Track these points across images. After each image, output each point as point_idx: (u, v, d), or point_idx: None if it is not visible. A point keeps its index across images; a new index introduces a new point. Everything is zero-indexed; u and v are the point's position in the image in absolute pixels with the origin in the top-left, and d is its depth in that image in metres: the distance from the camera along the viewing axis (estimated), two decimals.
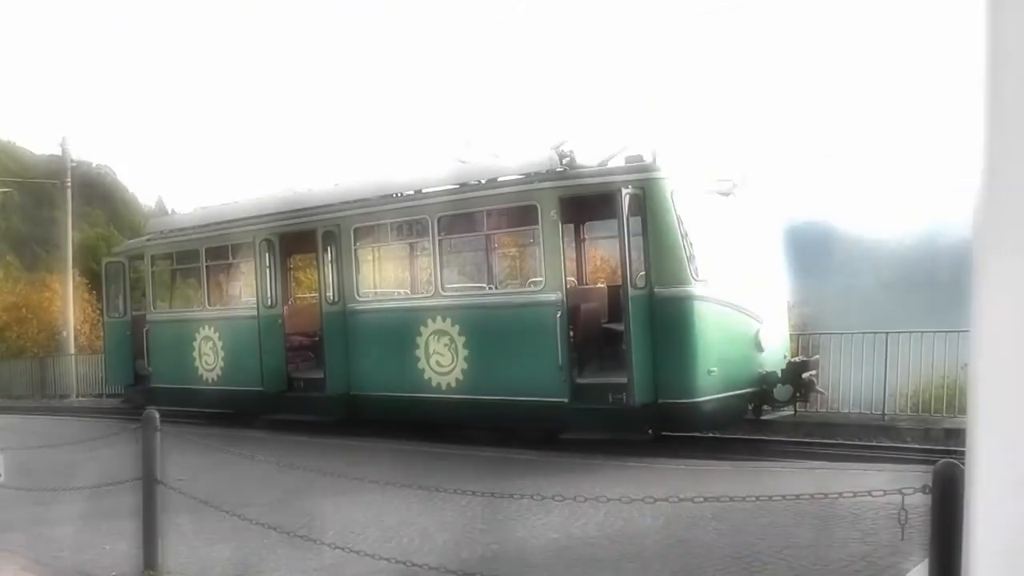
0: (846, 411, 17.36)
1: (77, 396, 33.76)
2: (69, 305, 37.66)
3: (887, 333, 17.08)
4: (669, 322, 13.09)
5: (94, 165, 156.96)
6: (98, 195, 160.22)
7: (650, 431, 13.07)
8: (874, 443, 15.32)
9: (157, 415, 8.06)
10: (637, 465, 12.36)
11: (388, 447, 15.02)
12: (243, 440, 16.77)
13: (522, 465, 12.78)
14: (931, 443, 15.23)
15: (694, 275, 13.10)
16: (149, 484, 7.87)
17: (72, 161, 39.40)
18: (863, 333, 17.69)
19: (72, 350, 36.58)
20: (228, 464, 14.29)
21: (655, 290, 13.11)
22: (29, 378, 36.60)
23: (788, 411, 14.68)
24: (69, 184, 38.01)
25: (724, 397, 13.30)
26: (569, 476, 11.81)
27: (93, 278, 37.14)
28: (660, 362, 13.09)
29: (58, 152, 39.05)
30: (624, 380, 13.17)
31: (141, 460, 8.11)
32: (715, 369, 13.10)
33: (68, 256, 37.95)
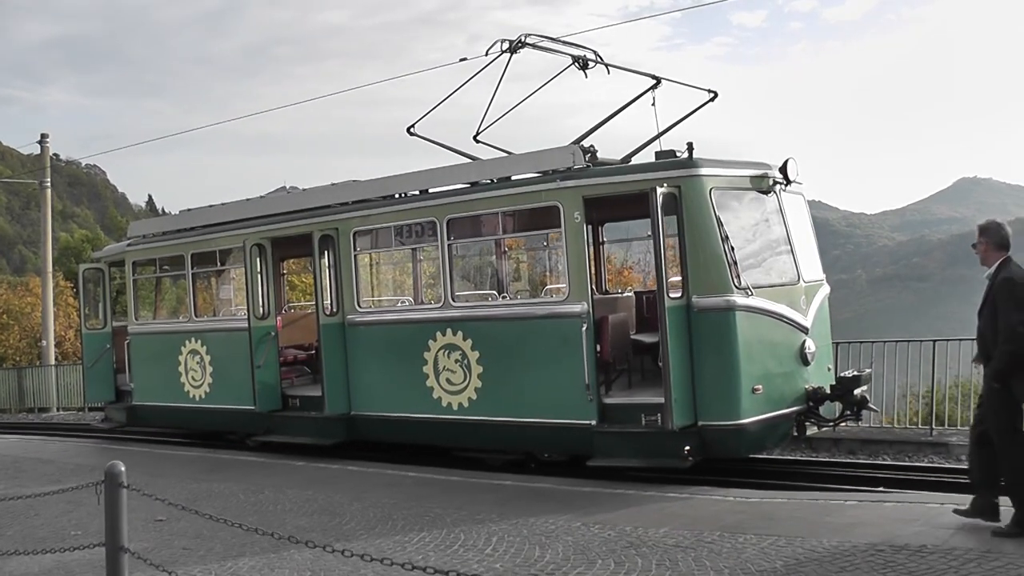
0: (889, 425, 16.12)
1: (57, 409, 32.43)
2: (49, 312, 36.09)
3: (934, 341, 15.90)
4: (709, 335, 11.76)
5: (83, 165, 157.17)
6: (87, 195, 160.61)
7: (689, 457, 11.69)
8: (927, 463, 14.07)
9: (123, 469, 6.62)
10: (678, 497, 11.03)
11: (395, 474, 13.68)
12: (233, 465, 15.58)
13: (547, 497, 11.43)
14: None
15: (736, 282, 11.75)
16: (113, 554, 6.43)
17: (61, 161, 38.01)
18: (908, 341, 16.46)
19: (52, 360, 35.06)
20: (215, 496, 13.02)
21: (693, 299, 11.78)
22: (7, 390, 35.06)
23: (828, 427, 13.45)
24: (49, 184, 36.46)
25: (770, 417, 11.98)
26: (604, 512, 10.45)
27: (77, 282, 35.74)
28: (700, 380, 11.76)
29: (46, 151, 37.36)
30: (659, 400, 11.84)
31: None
32: (760, 387, 11.79)
33: (48, 260, 36.42)
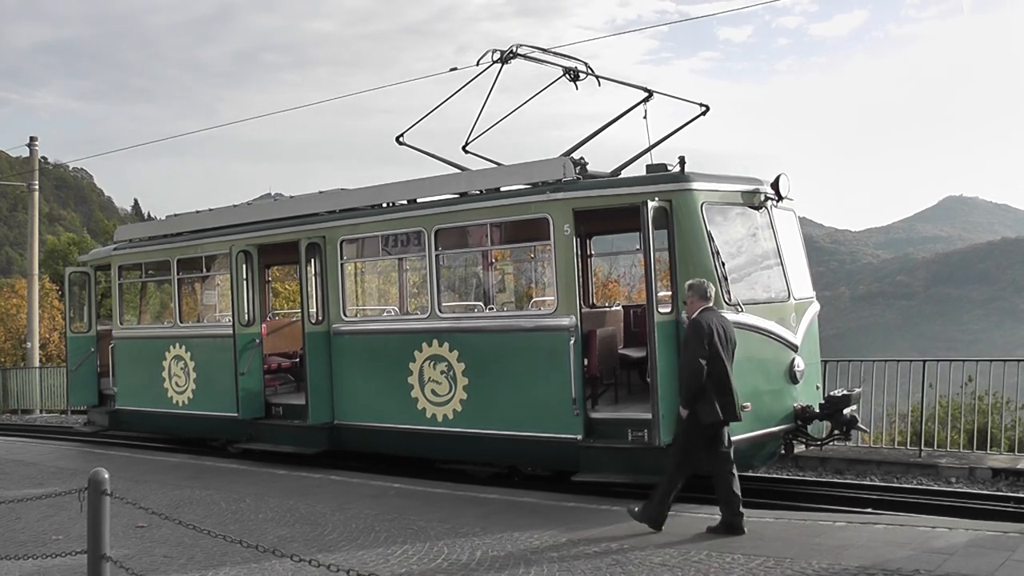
0: (876, 445, 16.06)
1: (41, 411, 32.26)
2: (34, 314, 35.86)
3: (924, 361, 15.83)
4: None
5: (71, 168, 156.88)
6: (74, 198, 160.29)
7: None
8: (916, 485, 13.99)
9: (106, 476, 6.49)
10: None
11: (379, 485, 13.55)
12: (214, 472, 15.46)
13: (531, 512, 11.32)
14: (978, 485, 13.96)
15: (726, 298, 11.67)
16: (95, 562, 6.31)
17: (49, 164, 37.83)
18: (897, 360, 16.42)
19: (36, 362, 34.82)
20: (196, 503, 12.88)
21: (683, 315, 11.63)
22: None
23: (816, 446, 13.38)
24: (37, 187, 36.28)
25: (758, 435, 11.89)
26: (589, 527, 10.38)
27: (63, 285, 35.54)
28: None
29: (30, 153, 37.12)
30: (646, 415, 11.73)
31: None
32: (748, 404, 11.64)
33: (34, 262, 36.22)
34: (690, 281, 10.55)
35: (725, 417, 9.98)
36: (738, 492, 9.92)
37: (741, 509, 9.90)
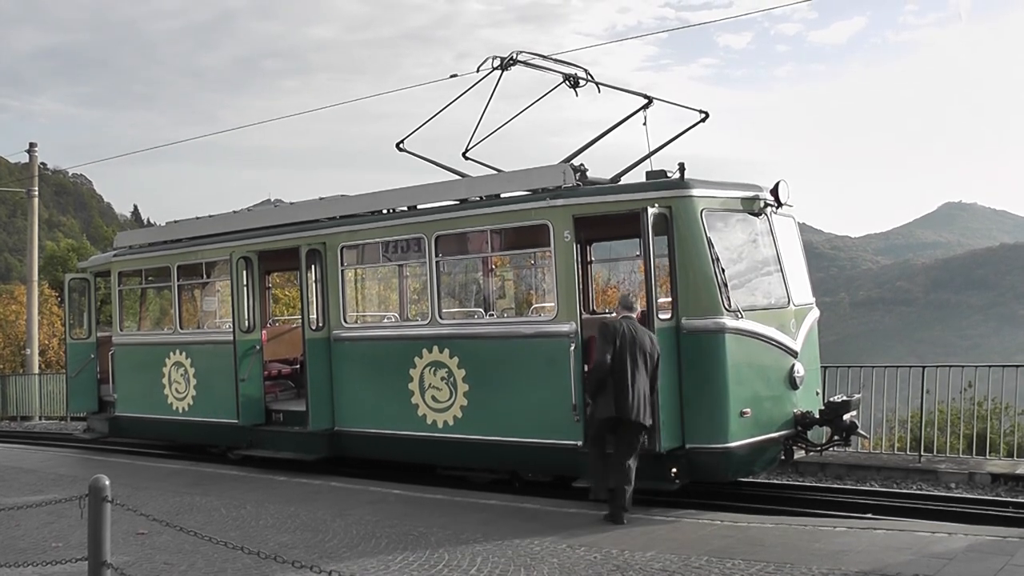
0: (876, 451, 16.06)
1: (40, 418, 32.27)
2: (34, 320, 35.92)
3: (923, 367, 15.85)
4: (698, 357, 11.66)
5: (70, 174, 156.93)
6: (73, 204, 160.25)
7: (676, 480, 11.60)
8: (915, 490, 13.99)
9: (107, 483, 6.51)
10: (664, 520, 10.93)
11: (379, 491, 13.56)
12: (214, 479, 15.46)
13: (531, 518, 11.34)
14: (977, 490, 13.96)
15: (726, 304, 11.67)
16: (96, 569, 6.32)
17: (48, 170, 37.91)
18: (896, 366, 16.43)
19: (36, 369, 34.84)
20: (197, 510, 12.88)
21: (683, 321, 11.69)
22: None
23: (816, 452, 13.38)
24: (36, 193, 36.32)
25: (758, 441, 11.90)
26: (589, 533, 10.39)
27: (63, 291, 35.55)
28: (688, 402, 11.65)
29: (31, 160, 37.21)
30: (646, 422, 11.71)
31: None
32: (748, 410, 11.69)
33: (33, 269, 36.26)
34: (620, 294, 11.65)
35: (618, 413, 10.69)
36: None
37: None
